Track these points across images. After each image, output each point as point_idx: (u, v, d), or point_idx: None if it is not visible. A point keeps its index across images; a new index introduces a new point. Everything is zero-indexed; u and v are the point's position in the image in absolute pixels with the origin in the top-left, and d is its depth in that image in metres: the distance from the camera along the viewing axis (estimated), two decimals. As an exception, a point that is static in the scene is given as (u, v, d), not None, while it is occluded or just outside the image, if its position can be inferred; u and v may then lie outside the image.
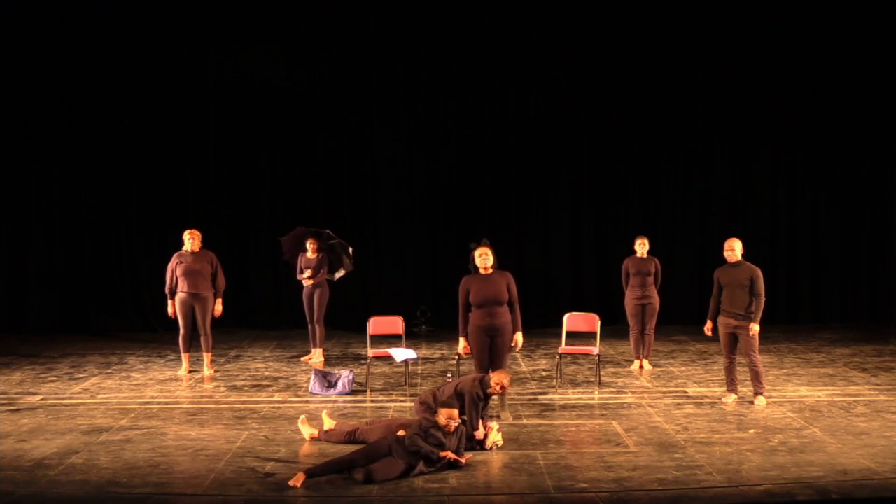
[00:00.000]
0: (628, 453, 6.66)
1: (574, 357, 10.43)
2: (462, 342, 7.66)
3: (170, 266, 9.83)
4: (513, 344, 7.60)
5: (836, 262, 13.93)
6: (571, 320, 9.59)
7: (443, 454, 6.20)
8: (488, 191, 13.63)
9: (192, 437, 7.16)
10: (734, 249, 8.28)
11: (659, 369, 10.10)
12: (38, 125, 13.08)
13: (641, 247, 10.21)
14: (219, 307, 9.91)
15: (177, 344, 10.06)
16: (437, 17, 13.28)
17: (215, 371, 10.03)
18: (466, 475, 6.15)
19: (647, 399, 8.55)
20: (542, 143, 13.61)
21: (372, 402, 8.56)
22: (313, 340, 10.83)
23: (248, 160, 13.38)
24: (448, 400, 6.65)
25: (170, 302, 9.85)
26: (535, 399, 8.58)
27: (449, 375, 8.98)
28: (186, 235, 9.84)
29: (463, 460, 6.29)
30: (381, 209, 13.55)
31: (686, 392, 8.85)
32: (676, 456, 6.56)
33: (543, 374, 9.89)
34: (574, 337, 9.96)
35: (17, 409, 8.11)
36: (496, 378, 6.84)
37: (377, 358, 9.40)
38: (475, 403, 6.77)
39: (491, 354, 7.49)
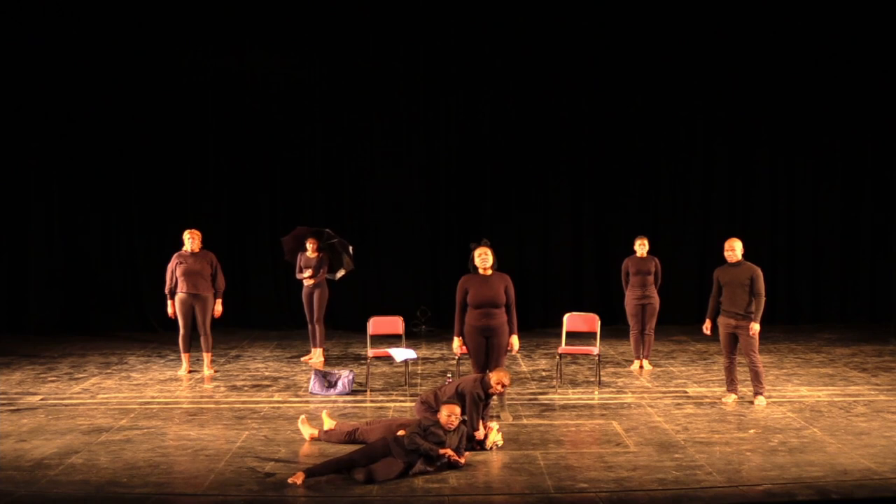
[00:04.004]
0: (628, 453, 6.66)
1: (574, 357, 10.43)
2: (457, 341, 7.66)
3: (170, 266, 9.83)
4: (508, 347, 7.60)
5: (836, 262, 13.94)
6: (571, 320, 9.59)
7: (442, 451, 6.20)
8: (488, 191, 13.63)
9: (192, 437, 7.17)
10: (734, 249, 8.28)
11: (659, 369, 10.10)
12: (38, 125, 13.07)
13: (641, 247, 10.22)
14: (219, 307, 9.91)
15: (177, 344, 10.06)
16: (437, 17, 13.27)
17: (215, 371, 10.03)
18: (466, 475, 6.15)
19: (647, 399, 8.55)
20: (543, 143, 13.62)
21: (372, 402, 8.56)
22: (313, 340, 10.83)
23: (248, 160, 13.38)
24: (449, 399, 6.66)
25: (170, 302, 9.86)
26: (535, 399, 8.58)
27: (449, 375, 8.98)
28: (186, 235, 9.84)
29: (462, 460, 6.29)
30: (380, 209, 13.55)
31: (686, 392, 8.85)
32: (676, 456, 6.56)
33: (543, 374, 9.89)
34: (574, 337, 9.96)
35: (17, 409, 8.11)
36: (496, 377, 6.84)
37: (377, 358, 9.40)
38: (476, 404, 6.77)
39: (487, 354, 7.49)
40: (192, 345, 9.96)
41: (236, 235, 13.47)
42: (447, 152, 13.64)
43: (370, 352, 9.31)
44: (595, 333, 9.47)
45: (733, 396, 8.39)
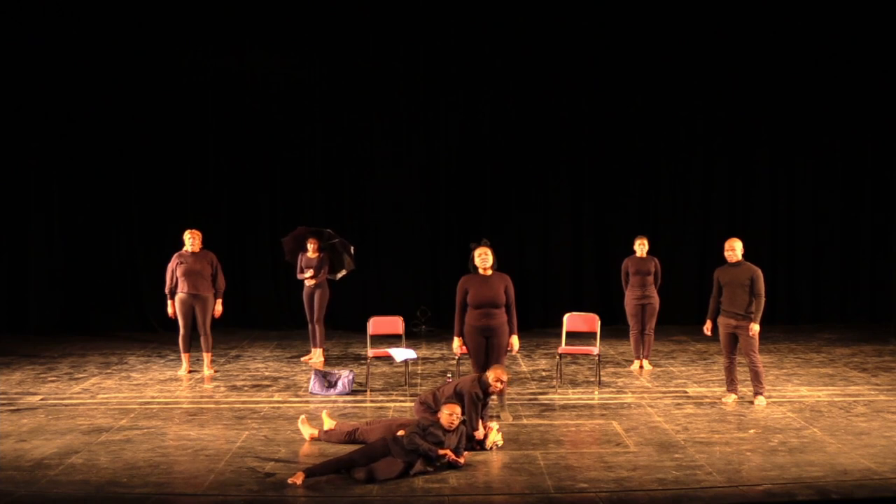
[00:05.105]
0: (628, 453, 6.67)
1: (574, 357, 10.43)
2: (457, 341, 7.66)
3: (170, 266, 9.83)
4: (508, 348, 7.60)
5: (836, 262, 13.94)
6: (571, 320, 9.59)
7: (441, 452, 6.20)
8: (488, 191, 13.64)
9: (192, 437, 7.17)
10: (734, 249, 8.28)
11: (659, 369, 10.10)
12: (38, 125, 13.07)
13: (641, 247, 10.22)
14: (219, 307, 9.91)
15: (177, 344, 10.06)
16: (437, 17, 13.27)
17: (215, 371, 10.03)
18: (466, 475, 6.15)
19: (647, 399, 8.55)
20: (543, 143, 13.62)
21: (372, 402, 8.56)
22: (313, 340, 10.83)
23: (248, 160, 13.39)
24: (448, 398, 6.66)
25: (170, 302, 9.85)
26: (535, 399, 8.58)
27: (449, 375, 8.99)
28: (187, 235, 9.84)
29: (461, 460, 6.29)
30: (380, 209, 13.55)
31: (686, 392, 8.85)
32: (676, 456, 6.56)
33: (543, 374, 9.89)
34: (574, 337, 9.96)
35: (17, 409, 8.11)
36: (494, 375, 6.83)
37: (377, 358, 9.40)
38: (475, 403, 6.77)
39: (487, 354, 7.49)
40: (192, 345, 9.95)
41: (236, 235, 13.47)
42: (447, 152, 13.64)
43: (370, 352, 9.31)
44: (595, 333, 9.47)
45: (733, 396, 8.39)
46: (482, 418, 6.85)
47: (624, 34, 13.45)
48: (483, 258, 7.50)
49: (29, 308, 13.19)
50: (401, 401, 8.52)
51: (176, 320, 9.88)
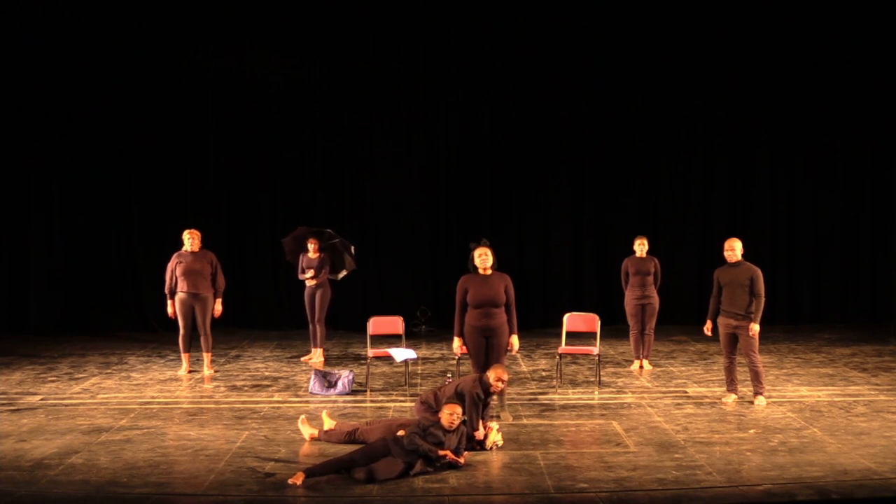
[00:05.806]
0: (628, 453, 6.67)
1: (574, 357, 10.43)
2: (457, 341, 7.66)
3: (169, 266, 9.83)
4: (508, 347, 7.60)
5: (836, 262, 13.93)
6: (571, 320, 9.59)
7: (441, 453, 6.20)
8: (488, 191, 13.64)
9: (192, 437, 7.17)
10: (734, 249, 8.28)
11: (659, 369, 10.10)
12: (38, 125, 13.07)
13: (641, 247, 10.22)
14: (219, 307, 9.91)
15: (177, 344, 10.06)
16: (437, 17, 13.27)
17: (215, 371, 10.03)
18: (466, 475, 6.15)
19: (647, 399, 8.55)
20: (543, 143, 13.62)
21: (372, 402, 8.56)
22: (314, 340, 10.83)
23: (248, 160, 13.39)
24: (449, 399, 6.66)
25: (170, 302, 9.85)
26: (535, 399, 8.58)
27: (449, 375, 8.99)
28: (186, 235, 9.84)
29: (461, 461, 6.29)
30: (380, 209, 13.55)
31: (686, 392, 8.85)
32: (676, 456, 6.56)
33: (543, 374, 9.89)
34: (574, 337, 9.96)
35: (17, 409, 8.11)
36: (494, 374, 6.83)
37: (377, 358, 9.40)
38: (475, 404, 6.77)
39: (487, 354, 7.48)
40: (192, 345, 9.96)
41: (236, 235, 13.47)
42: (447, 152, 13.64)
43: (370, 352, 9.31)
44: (595, 333, 9.47)
45: (733, 396, 8.40)
46: (483, 418, 6.85)
47: (624, 34, 13.45)
48: (483, 258, 7.50)
49: (29, 308, 13.20)
50: (401, 401, 8.52)
51: (176, 320, 9.88)
